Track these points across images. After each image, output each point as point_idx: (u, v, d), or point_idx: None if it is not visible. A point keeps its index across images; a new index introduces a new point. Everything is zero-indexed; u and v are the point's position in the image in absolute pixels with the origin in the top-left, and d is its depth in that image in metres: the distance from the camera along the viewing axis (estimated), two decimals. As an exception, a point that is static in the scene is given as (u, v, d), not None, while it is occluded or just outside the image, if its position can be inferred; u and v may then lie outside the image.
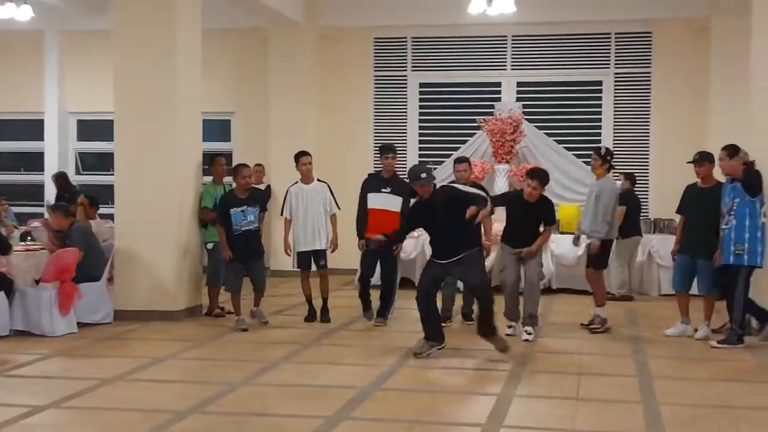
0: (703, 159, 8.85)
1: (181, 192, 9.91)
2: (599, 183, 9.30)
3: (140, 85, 9.86)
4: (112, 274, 9.87)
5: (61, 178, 13.78)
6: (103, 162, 14.37)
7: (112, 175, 10.31)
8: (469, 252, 7.81)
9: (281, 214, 9.92)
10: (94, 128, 15.33)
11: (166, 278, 9.79)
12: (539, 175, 8.75)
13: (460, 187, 8.31)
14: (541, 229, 8.91)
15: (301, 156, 9.82)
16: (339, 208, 9.84)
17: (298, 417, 6.07)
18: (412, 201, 8.50)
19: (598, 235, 9.14)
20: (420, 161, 14.17)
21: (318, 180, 9.88)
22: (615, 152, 13.63)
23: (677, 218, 9.39)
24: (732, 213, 8.34)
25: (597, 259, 9.26)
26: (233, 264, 9.40)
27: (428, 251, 8.70)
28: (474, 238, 7.96)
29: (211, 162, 10.36)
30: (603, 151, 9.45)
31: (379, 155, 10.01)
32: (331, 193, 9.82)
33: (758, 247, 8.30)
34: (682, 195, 9.20)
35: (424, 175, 7.85)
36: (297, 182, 9.84)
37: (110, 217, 10.99)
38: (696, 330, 8.85)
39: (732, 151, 8.44)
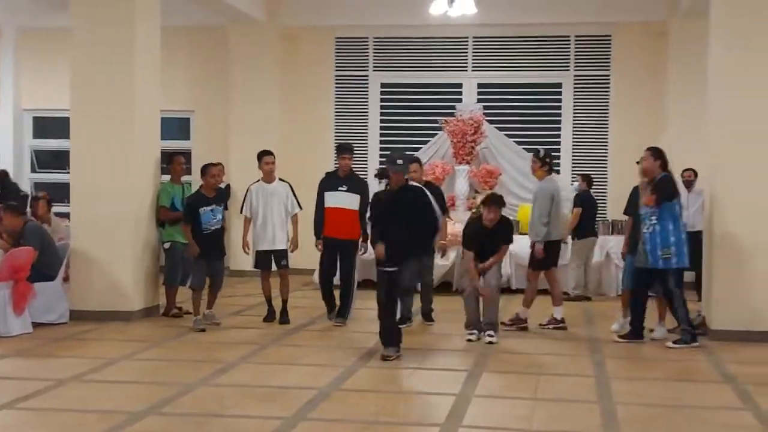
0: None
1: (139, 191, 9.81)
2: (538, 185, 9.53)
3: (98, 83, 9.74)
4: (67, 273, 9.74)
5: (0, 174, 13.51)
6: (59, 160, 14.17)
7: (68, 173, 10.18)
8: (414, 259, 7.94)
9: (241, 212, 9.86)
10: (50, 126, 15.12)
11: (122, 278, 9.68)
12: (495, 202, 8.83)
13: (430, 197, 8.23)
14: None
15: (264, 155, 9.76)
16: (301, 208, 9.80)
17: (256, 418, 6.04)
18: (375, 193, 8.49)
19: (536, 238, 9.27)
20: (381, 161, 14.21)
21: (279, 179, 9.84)
22: (574, 154, 13.92)
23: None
24: (654, 218, 8.50)
25: (539, 260, 9.38)
26: (200, 262, 9.32)
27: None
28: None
29: (169, 160, 10.28)
30: (541, 153, 9.61)
31: (336, 155, 10.03)
32: (293, 193, 9.78)
33: (683, 248, 8.54)
34: (629, 196, 9.44)
35: (400, 161, 7.86)
36: (258, 180, 9.79)
37: (66, 215, 10.85)
38: (651, 330, 8.96)
39: (655, 153, 8.70)
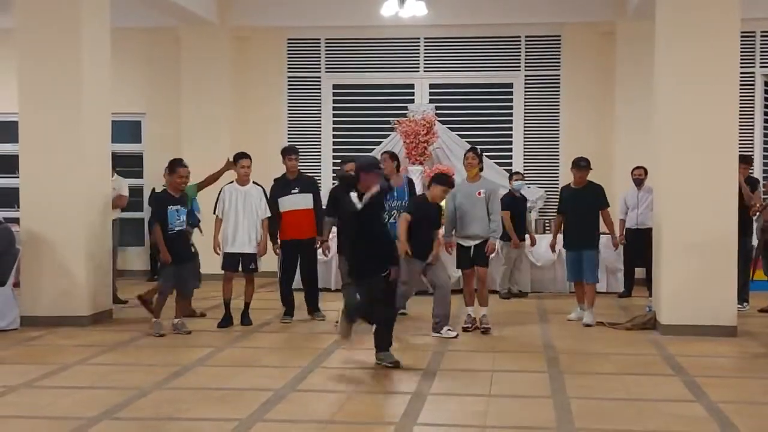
0: (588, 166, 9.82)
1: (89, 194, 9.71)
2: (489, 183, 9.70)
3: (46, 86, 9.64)
4: (17, 279, 9.60)
5: None
6: (8, 164, 13.94)
7: (17, 177, 10.03)
8: None
9: (213, 213, 9.76)
10: (-1, 129, 14.87)
11: (74, 282, 9.57)
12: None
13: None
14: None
15: (240, 158, 9.69)
16: (270, 214, 9.71)
17: (212, 420, 6.01)
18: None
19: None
20: (335, 162, 14.22)
21: (254, 183, 9.75)
22: (526, 153, 14.07)
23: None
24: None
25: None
26: (168, 267, 9.11)
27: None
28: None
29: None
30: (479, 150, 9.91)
31: (282, 157, 10.03)
32: (266, 197, 9.69)
33: None
34: (560, 196, 10.16)
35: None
36: (232, 182, 9.73)
37: (16, 221, 10.69)
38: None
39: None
